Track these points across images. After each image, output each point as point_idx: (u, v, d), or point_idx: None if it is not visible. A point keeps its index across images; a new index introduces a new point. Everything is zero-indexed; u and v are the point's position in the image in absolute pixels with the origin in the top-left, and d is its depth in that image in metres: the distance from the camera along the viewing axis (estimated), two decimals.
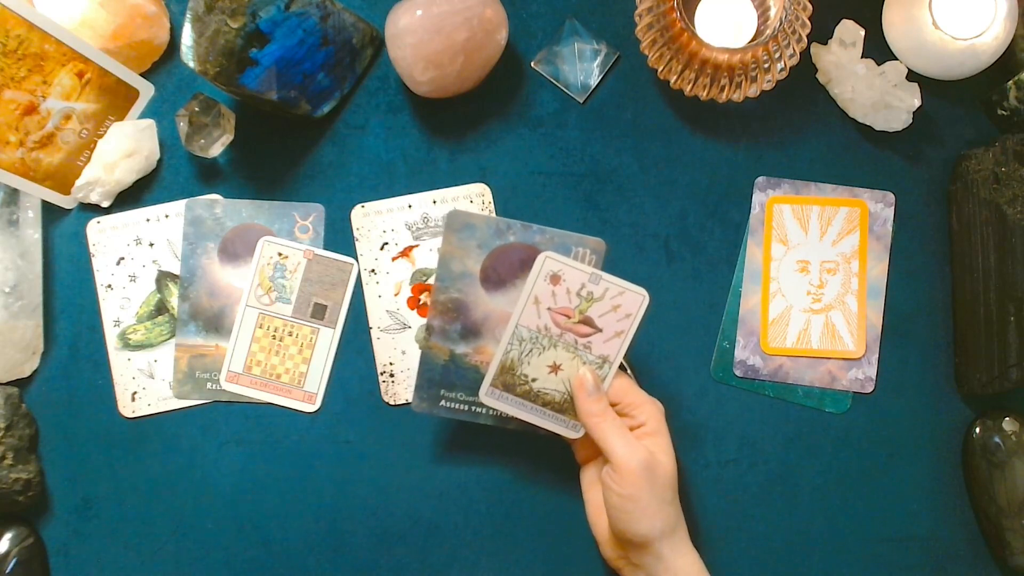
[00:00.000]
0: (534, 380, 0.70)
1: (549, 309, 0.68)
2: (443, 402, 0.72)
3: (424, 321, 0.77)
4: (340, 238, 0.78)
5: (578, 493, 0.74)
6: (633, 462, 0.66)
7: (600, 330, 0.68)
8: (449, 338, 0.71)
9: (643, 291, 0.68)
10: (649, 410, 0.69)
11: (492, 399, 0.70)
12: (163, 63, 0.79)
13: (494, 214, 0.78)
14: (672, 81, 0.75)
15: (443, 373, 0.71)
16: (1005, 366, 0.73)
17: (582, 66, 0.79)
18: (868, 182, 0.78)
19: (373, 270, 0.78)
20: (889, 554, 0.76)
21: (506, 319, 0.70)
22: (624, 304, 0.68)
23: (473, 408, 0.72)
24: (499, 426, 0.72)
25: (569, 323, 0.68)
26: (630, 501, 0.66)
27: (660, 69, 0.75)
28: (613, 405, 0.69)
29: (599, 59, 0.79)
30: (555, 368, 0.69)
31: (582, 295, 0.68)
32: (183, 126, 0.76)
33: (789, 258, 0.78)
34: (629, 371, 0.74)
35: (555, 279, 0.68)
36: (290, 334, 0.77)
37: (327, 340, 0.77)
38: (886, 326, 0.77)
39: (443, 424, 0.77)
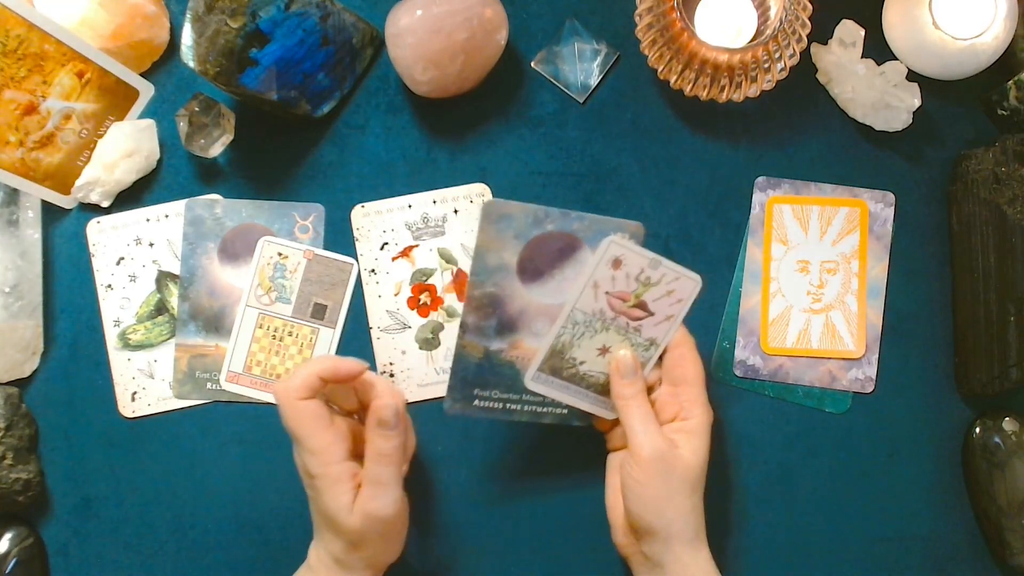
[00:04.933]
0: (582, 363, 0.69)
1: (607, 293, 0.68)
2: (477, 401, 0.71)
3: (424, 322, 0.77)
4: (340, 238, 0.78)
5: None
6: (647, 449, 0.66)
7: (653, 314, 0.69)
8: (484, 335, 0.69)
9: (697, 277, 0.68)
10: (698, 411, 0.68)
11: (537, 383, 0.70)
12: (163, 63, 0.79)
13: None
14: (672, 81, 0.75)
15: (477, 372, 0.70)
16: (1005, 366, 0.73)
17: (582, 66, 0.79)
18: (868, 182, 0.78)
19: (373, 270, 0.78)
20: (889, 554, 0.76)
21: (544, 311, 0.69)
22: (678, 289, 0.68)
23: (508, 405, 0.71)
24: (534, 421, 0.72)
25: (624, 307, 0.68)
26: (641, 486, 0.66)
27: (660, 69, 0.75)
28: (675, 387, 0.69)
29: (599, 59, 0.79)
30: (604, 350, 0.69)
31: (640, 280, 0.68)
32: (183, 126, 0.76)
33: (789, 258, 0.78)
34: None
35: (616, 263, 0.67)
36: (290, 334, 0.77)
37: (327, 340, 0.77)
38: (886, 326, 0.77)
39: (442, 423, 0.77)
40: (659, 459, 0.66)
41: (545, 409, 0.72)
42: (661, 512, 0.67)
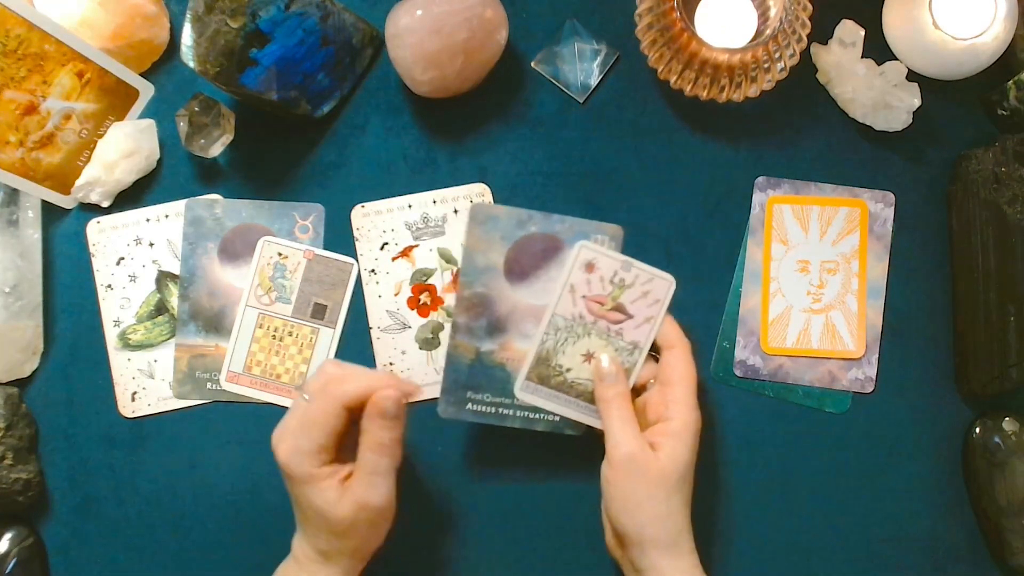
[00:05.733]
0: (568, 370, 0.70)
1: (584, 297, 0.70)
2: (470, 405, 0.71)
3: (424, 322, 0.77)
4: (340, 238, 0.78)
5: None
6: (620, 450, 0.66)
7: (631, 316, 0.70)
8: (475, 335, 0.71)
9: (670, 277, 0.70)
10: (683, 412, 0.68)
11: (527, 393, 0.71)
12: (163, 63, 0.79)
13: None
14: (672, 81, 0.75)
15: (469, 374, 0.71)
16: (1005, 366, 0.73)
17: (582, 66, 0.79)
18: (868, 182, 0.78)
19: (373, 270, 0.78)
20: (889, 554, 0.76)
21: (531, 312, 0.70)
22: (653, 290, 0.70)
23: (500, 410, 0.72)
24: (526, 428, 0.72)
25: (602, 310, 0.70)
26: (613, 488, 0.67)
27: (660, 69, 0.75)
28: (664, 387, 0.69)
29: (599, 59, 0.79)
30: (588, 356, 0.70)
31: (615, 282, 0.70)
32: (183, 126, 0.76)
33: (789, 258, 0.78)
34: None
35: (590, 267, 0.69)
36: (290, 334, 0.77)
37: (327, 340, 0.77)
38: (886, 326, 0.77)
39: (441, 424, 0.76)
40: (630, 461, 0.66)
41: (538, 415, 0.72)
42: (633, 515, 0.66)
